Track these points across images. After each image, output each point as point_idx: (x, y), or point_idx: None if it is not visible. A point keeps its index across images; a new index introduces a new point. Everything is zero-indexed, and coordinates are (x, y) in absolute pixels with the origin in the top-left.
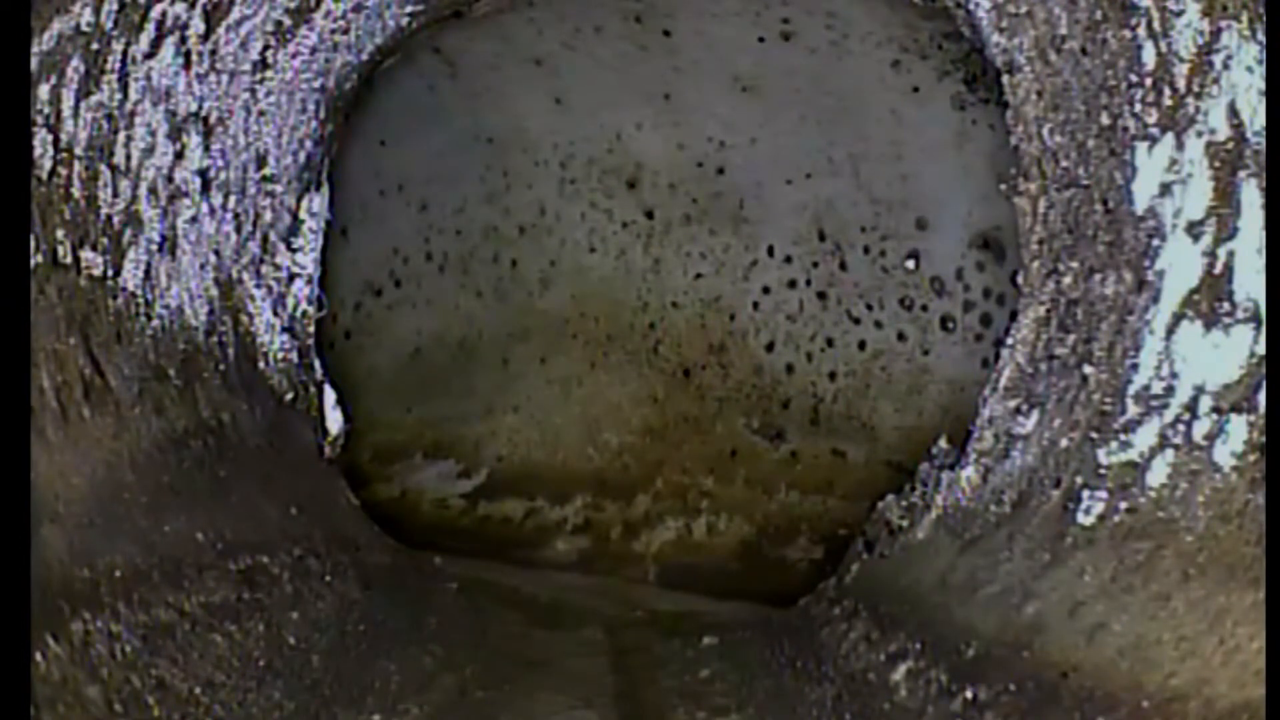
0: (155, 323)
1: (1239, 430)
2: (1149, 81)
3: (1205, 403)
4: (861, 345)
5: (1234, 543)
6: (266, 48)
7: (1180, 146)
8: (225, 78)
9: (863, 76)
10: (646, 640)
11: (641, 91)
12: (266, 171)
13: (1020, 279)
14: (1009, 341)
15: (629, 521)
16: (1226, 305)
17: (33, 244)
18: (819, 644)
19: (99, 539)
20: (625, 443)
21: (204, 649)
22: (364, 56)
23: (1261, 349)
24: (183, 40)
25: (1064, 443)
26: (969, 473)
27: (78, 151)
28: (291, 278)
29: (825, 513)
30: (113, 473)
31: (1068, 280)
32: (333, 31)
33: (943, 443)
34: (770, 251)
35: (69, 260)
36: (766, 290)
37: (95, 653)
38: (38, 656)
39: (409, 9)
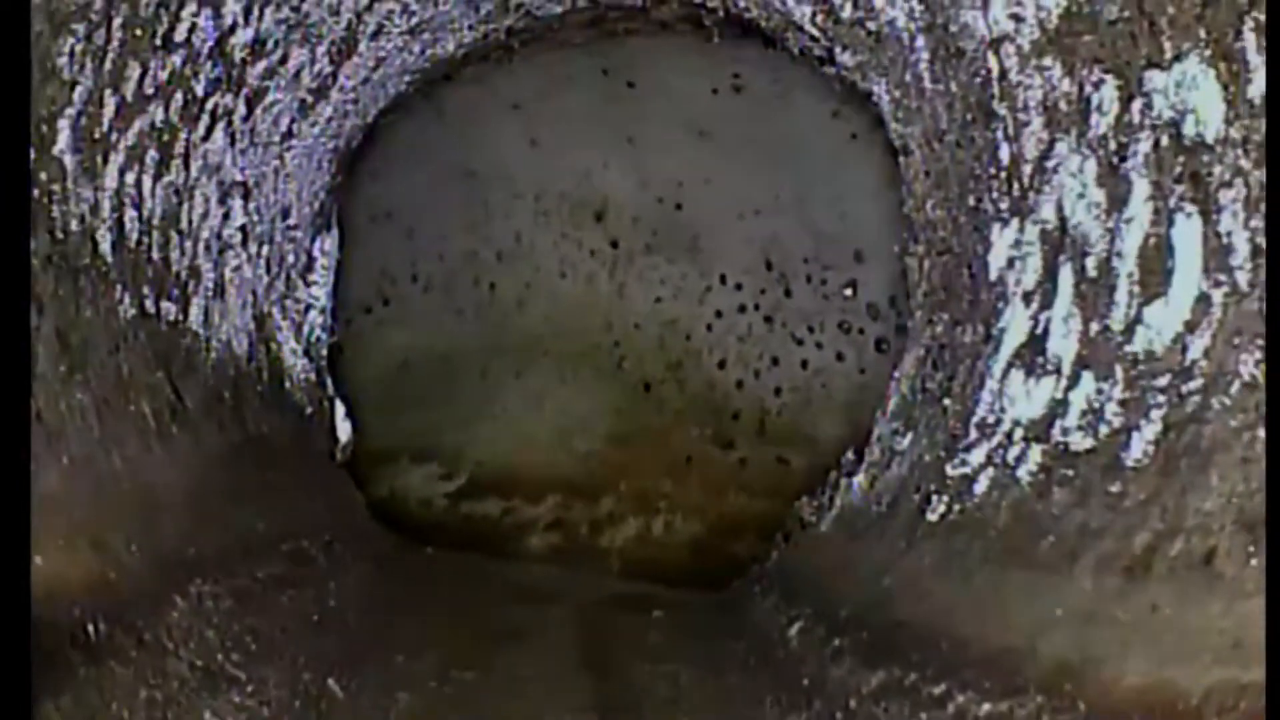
0: (213, 355)
1: (1035, 455)
2: (1003, 174)
3: (1018, 433)
4: (804, 364)
5: (1021, 538)
6: (293, 121)
7: (1022, 229)
8: (260, 149)
9: (806, 125)
10: (609, 614)
11: (608, 135)
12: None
13: (909, 324)
14: (895, 375)
15: (595, 520)
16: (1041, 359)
17: (126, 300)
18: (742, 613)
19: (195, 525)
20: (592, 449)
21: (275, 606)
22: (369, 119)
23: (1061, 395)
24: (229, 123)
25: (926, 458)
26: (861, 479)
27: (155, 223)
28: (308, 308)
29: (770, 513)
30: (197, 476)
31: (940, 329)
32: (345, 103)
33: (849, 454)
34: (723, 279)
35: (153, 310)
36: (719, 314)
37: (207, 607)
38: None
39: (408, 78)
